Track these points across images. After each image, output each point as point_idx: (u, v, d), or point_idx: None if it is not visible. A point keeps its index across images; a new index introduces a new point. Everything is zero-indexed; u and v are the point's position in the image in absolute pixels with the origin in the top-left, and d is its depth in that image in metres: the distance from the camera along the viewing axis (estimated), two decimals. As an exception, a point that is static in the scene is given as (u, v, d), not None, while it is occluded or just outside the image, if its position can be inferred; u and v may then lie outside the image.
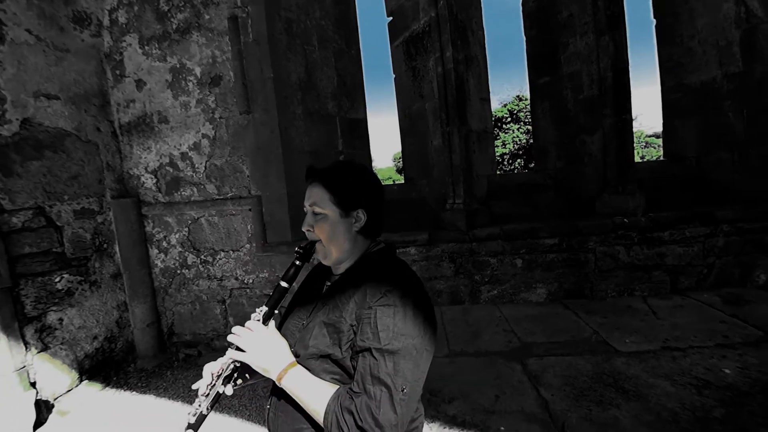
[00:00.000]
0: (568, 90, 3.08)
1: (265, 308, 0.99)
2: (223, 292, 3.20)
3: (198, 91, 3.02)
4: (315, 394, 0.86)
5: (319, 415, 0.85)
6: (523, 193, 3.28)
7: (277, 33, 2.96)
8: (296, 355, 0.94)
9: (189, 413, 0.96)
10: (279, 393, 0.98)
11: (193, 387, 1.02)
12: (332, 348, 0.90)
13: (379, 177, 1.18)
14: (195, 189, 3.14)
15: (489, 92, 3.38)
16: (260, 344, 0.92)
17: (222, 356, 1.05)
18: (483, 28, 3.31)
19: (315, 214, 1.01)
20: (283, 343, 0.96)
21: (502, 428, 1.27)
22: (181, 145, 3.11)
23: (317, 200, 1.00)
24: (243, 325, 0.98)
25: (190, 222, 3.17)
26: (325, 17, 3.27)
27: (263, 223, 3.10)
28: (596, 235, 2.75)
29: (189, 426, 0.95)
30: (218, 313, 3.21)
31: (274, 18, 2.93)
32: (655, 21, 3.04)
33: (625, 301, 2.50)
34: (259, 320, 0.97)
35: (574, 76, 3.01)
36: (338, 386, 0.88)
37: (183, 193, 3.15)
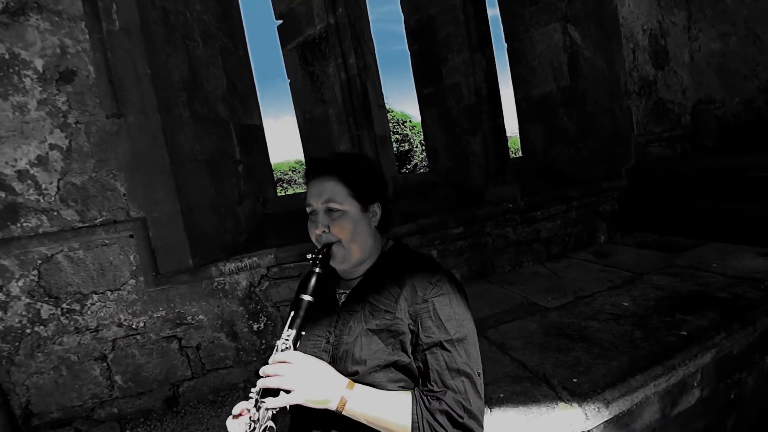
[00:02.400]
0: (451, 99, 3.52)
1: (291, 331, 0.84)
2: (102, 345, 2.49)
3: (40, 89, 2.29)
4: (391, 407, 0.78)
5: (403, 428, 0.77)
6: (422, 191, 3.58)
7: (151, 22, 2.50)
8: (350, 374, 0.83)
9: None
10: (325, 425, 0.85)
11: None
12: (396, 354, 0.83)
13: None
14: (44, 217, 2.36)
15: (384, 100, 3.58)
16: (309, 375, 0.78)
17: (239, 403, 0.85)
18: (372, 39, 3.49)
19: (331, 211, 0.92)
20: (328, 366, 0.83)
21: (501, 395, 1.38)
22: (16, 160, 2.30)
23: (334, 195, 0.92)
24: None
25: (40, 262, 2.36)
26: (206, 12, 2.93)
27: (152, 251, 2.55)
28: (490, 220, 3.22)
29: None
30: (97, 374, 2.48)
31: (146, 5, 2.47)
32: (506, 45, 3.78)
33: (528, 269, 3.00)
34: (289, 347, 0.82)
35: (455, 87, 3.47)
36: (409, 393, 0.82)
37: (25, 224, 2.33)
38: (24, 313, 2.37)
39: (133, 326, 2.54)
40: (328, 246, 0.92)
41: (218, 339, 2.69)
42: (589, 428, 1.26)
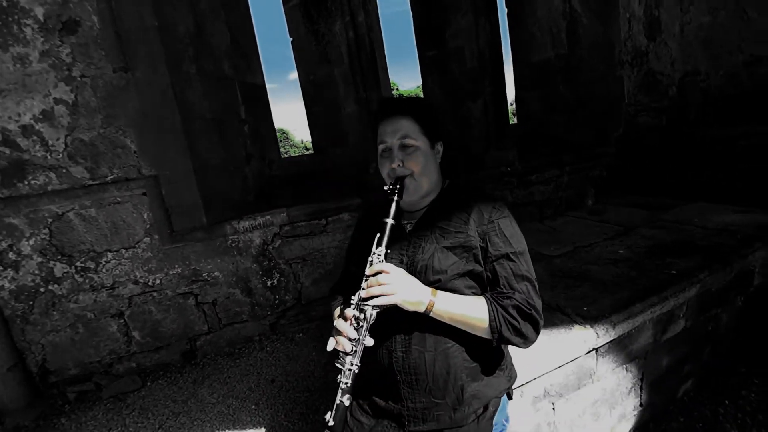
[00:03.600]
0: (454, 62, 3.56)
1: (382, 249, 0.97)
2: (119, 302, 2.53)
3: (42, 39, 2.18)
4: (471, 307, 0.95)
5: (481, 323, 0.93)
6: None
7: (156, -29, 2.39)
8: (431, 283, 0.97)
9: (341, 377, 0.89)
10: (406, 328, 0.99)
11: (329, 348, 0.94)
12: (470, 264, 0.99)
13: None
14: (53, 175, 2.32)
15: (386, 62, 3.58)
16: (405, 281, 0.93)
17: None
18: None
19: (405, 147, 1.02)
20: (413, 277, 0.97)
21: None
22: (19, 115, 2.21)
23: (409, 132, 1.03)
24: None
25: (51, 220, 2.34)
26: (207, -40, 2.79)
27: (166, 209, 2.57)
28: (491, 183, 3.38)
29: (346, 390, 0.89)
30: (115, 330, 2.53)
31: (150, -50, 2.35)
32: (507, 9, 3.80)
33: (526, 226, 3.19)
34: (382, 261, 0.95)
35: (459, 50, 3.50)
36: (481, 297, 0.97)
37: (33, 182, 2.28)
38: (37, 272, 2.36)
39: (150, 283, 2.58)
40: (401, 178, 1.02)
41: (233, 295, 2.78)
42: (598, 345, 1.48)
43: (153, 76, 2.40)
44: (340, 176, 3.38)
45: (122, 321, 2.56)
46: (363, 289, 0.92)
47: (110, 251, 2.49)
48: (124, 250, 2.51)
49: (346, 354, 0.90)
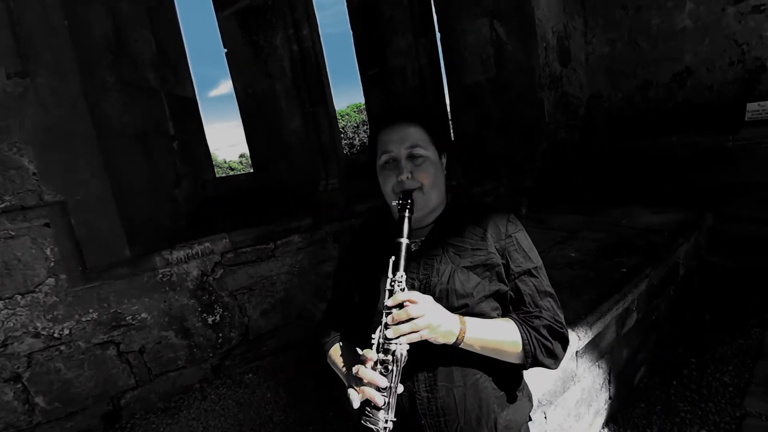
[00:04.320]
0: (397, 80, 3.63)
1: (401, 273, 0.83)
2: (14, 363, 2.00)
3: None
4: (502, 331, 0.86)
5: (514, 348, 0.85)
6: (370, 171, 3.64)
7: (63, -38, 2.03)
8: (456, 309, 0.87)
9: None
10: (430, 364, 0.88)
11: (355, 405, 0.77)
12: (495, 284, 0.91)
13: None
14: None
15: (328, 77, 3.51)
16: (435, 310, 0.80)
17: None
18: (315, 14, 3.39)
19: (414, 157, 0.94)
20: (438, 304, 0.87)
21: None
22: None
23: (419, 141, 0.95)
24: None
25: None
26: (126, -41, 2.48)
27: (77, 242, 2.12)
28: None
29: None
30: (11, 397, 1.98)
31: (55, -61, 2.00)
32: (439, 34, 4.01)
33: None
34: (404, 288, 0.82)
35: (400, 69, 3.58)
36: (507, 318, 0.90)
37: None
38: None
39: (56, 335, 2.09)
40: (410, 192, 0.93)
41: (166, 338, 2.38)
42: (580, 348, 1.51)
43: (59, 84, 2.01)
44: (285, 195, 3.16)
45: (20, 386, 2.01)
46: (385, 324, 0.78)
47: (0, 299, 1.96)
48: (19, 297, 2.01)
49: (378, 409, 0.73)
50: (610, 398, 1.81)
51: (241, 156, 17.57)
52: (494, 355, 0.86)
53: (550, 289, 0.93)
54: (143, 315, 2.29)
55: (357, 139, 11.23)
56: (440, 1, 3.96)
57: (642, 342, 1.98)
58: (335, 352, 1.02)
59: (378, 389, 0.74)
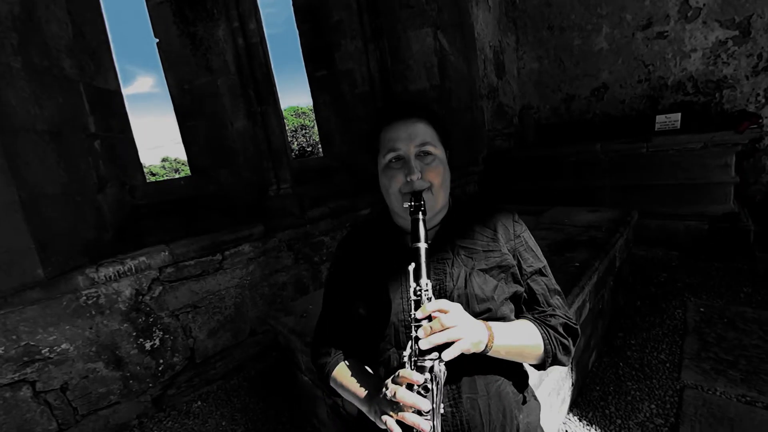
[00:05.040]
0: (345, 84, 3.56)
1: (425, 281, 0.76)
2: None
3: None
4: (525, 334, 0.84)
5: (537, 350, 0.84)
6: (322, 176, 3.52)
7: None
8: (478, 314, 0.83)
9: None
10: (452, 375, 0.82)
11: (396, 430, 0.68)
12: (512, 286, 0.90)
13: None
14: None
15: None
16: (466, 320, 0.75)
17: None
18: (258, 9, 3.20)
19: (425, 155, 0.88)
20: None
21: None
22: None
23: (429, 138, 0.89)
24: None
25: None
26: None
27: (-31, 261, 1.70)
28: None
29: None
30: None
31: None
32: (387, 41, 4.04)
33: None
34: (431, 297, 0.75)
35: (349, 73, 3.53)
36: (523, 319, 0.89)
37: None
38: None
39: (-61, 381, 1.65)
40: (419, 193, 0.87)
41: (94, 371, 2.02)
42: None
43: (-59, 64, 1.61)
44: (230, 202, 2.90)
45: None
46: (415, 338, 0.71)
47: None
48: None
49: None
50: (572, 385, 1.93)
51: (164, 160, 15.83)
52: (517, 359, 0.84)
53: (558, 287, 0.94)
54: (64, 346, 1.91)
55: (295, 143, 10.85)
56: (387, 9, 4.00)
57: (592, 330, 2.15)
58: (342, 373, 0.92)
59: (422, 414, 0.66)
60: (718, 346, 2.11)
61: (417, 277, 0.76)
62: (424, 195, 0.86)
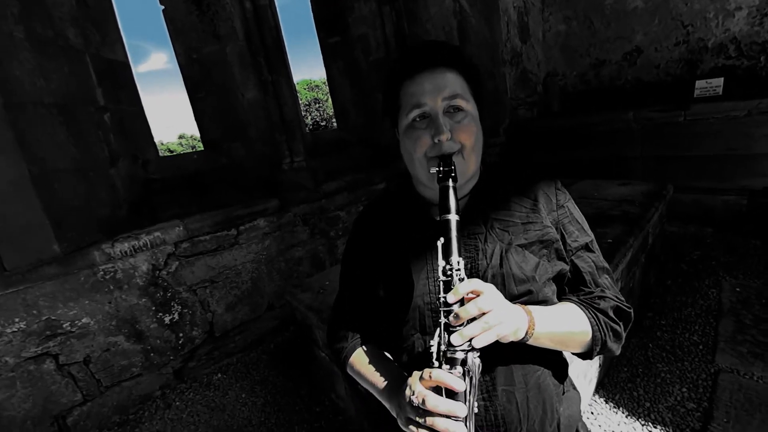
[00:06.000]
0: (360, 51, 3.38)
1: (457, 258, 0.66)
2: None
3: None
4: (570, 319, 0.74)
5: (584, 336, 0.74)
6: (337, 149, 3.41)
7: None
8: (516, 297, 0.73)
9: None
10: (486, 366, 0.73)
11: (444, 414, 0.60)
12: (556, 263, 0.78)
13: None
14: None
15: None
16: (502, 302, 0.64)
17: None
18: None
19: (454, 110, 0.75)
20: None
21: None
22: None
23: (459, 90, 0.74)
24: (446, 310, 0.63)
25: None
26: None
27: (-15, 237, 1.70)
28: (408, 175, 3.33)
29: None
30: None
31: None
32: (403, 4, 3.79)
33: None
34: (464, 278, 0.64)
35: (363, 38, 3.34)
36: (568, 302, 0.79)
37: None
38: None
39: (-35, 355, 1.68)
40: (449, 157, 0.73)
41: (116, 344, 2.04)
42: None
43: (-59, 33, 1.54)
44: (243, 176, 2.84)
45: None
46: (445, 325, 0.62)
47: None
48: None
49: None
50: (600, 366, 1.86)
51: (181, 137, 15.86)
52: (560, 348, 0.74)
53: (607, 264, 0.83)
54: (84, 320, 1.93)
55: (309, 118, 10.63)
56: (402, -34, 3.73)
57: (621, 309, 2.06)
58: (360, 360, 0.85)
59: (461, 419, 0.58)
60: (756, 328, 1.99)
61: (447, 255, 0.66)
62: (454, 159, 0.75)
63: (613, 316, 0.76)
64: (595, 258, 0.81)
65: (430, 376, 0.60)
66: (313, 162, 2.94)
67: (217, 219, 2.42)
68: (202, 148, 3.06)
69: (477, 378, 0.61)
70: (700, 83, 3.05)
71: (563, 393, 0.83)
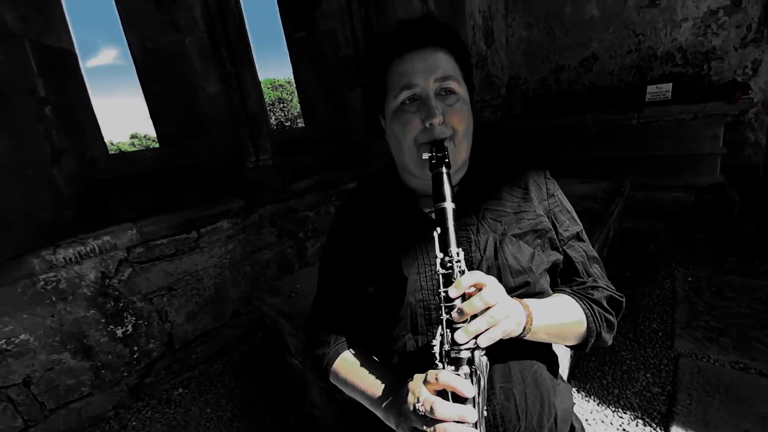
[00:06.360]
0: (328, 47, 3.31)
1: (456, 249, 0.62)
2: None
3: None
4: (566, 311, 0.72)
5: (579, 328, 0.73)
6: (306, 147, 3.31)
7: None
8: (513, 290, 0.70)
9: None
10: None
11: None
12: (551, 253, 0.77)
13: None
14: None
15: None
16: (505, 298, 0.62)
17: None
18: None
19: (447, 93, 0.71)
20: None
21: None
22: None
23: (452, 71, 0.71)
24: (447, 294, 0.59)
25: None
26: None
27: None
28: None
29: None
30: None
31: None
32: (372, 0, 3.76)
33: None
34: (464, 270, 0.61)
35: (331, 34, 3.27)
36: (560, 293, 0.77)
37: None
38: None
39: None
40: (440, 143, 0.69)
41: (60, 362, 1.84)
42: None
43: None
44: (204, 175, 2.67)
45: None
46: (446, 322, 0.58)
47: None
48: None
49: None
50: (570, 357, 1.91)
51: (134, 137, 14.95)
52: (555, 341, 0.73)
53: (596, 254, 0.83)
54: (23, 336, 1.71)
55: (273, 118, 10.34)
56: (369, -35, 3.70)
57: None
58: (345, 366, 0.78)
59: (472, 425, 0.53)
60: (708, 314, 2.13)
61: (445, 246, 0.62)
62: (446, 144, 0.71)
63: (607, 306, 0.76)
64: (586, 247, 0.81)
65: (436, 379, 0.55)
66: (280, 160, 2.82)
67: (175, 221, 2.26)
68: (158, 146, 2.85)
69: (486, 378, 0.57)
70: (651, 88, 3.27)
71: (557, 386, 0.82)
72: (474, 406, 0.54)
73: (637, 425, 1.58)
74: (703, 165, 3.04)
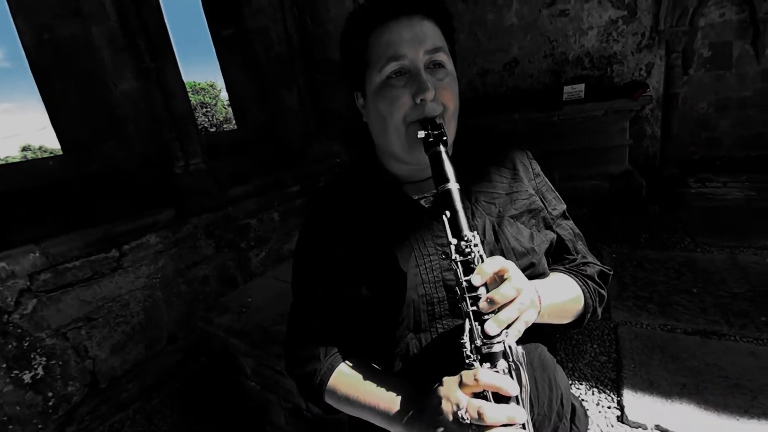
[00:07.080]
0: (259, 45, 3.12)
1: (470, 233, 0.57)
2: None
3: None
4: (566, 289, 0.72)
5: (578, 304, 0.73)
6: (240, 150, 3.08)
7: None
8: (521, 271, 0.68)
9: None
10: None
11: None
12: (547, 233, 0.75)
13: None
14: None
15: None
16: (529, 283, 0.58)
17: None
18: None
19: (436, 67, 0.65)
20: None
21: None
22: None
23: (440, 43, 0.65)
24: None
25: None
26: None
27: None
28: (322, 175, 3.19)
29: None
30: None
31: None
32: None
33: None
34: (482, 255, 0.56)
35: (263, 31, 3.09)
36: (558, 269, 0.77)
37: None
38: None
39: None
40: (433, 120, 0.63)
41: (-63, 426, 1.44)
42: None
43: None
44: (125, 182, 2.33)
45: None
46: (473, 314, 0.52)
47: None
48: None
49: None
50: (527, 339, 2.01)
51: (25, 149, 12.76)
52: (556, 320, 0.70)
53: (579, 231, 0.85)
54: None
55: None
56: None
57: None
58: (346, 381, 0.69)
59: (521, 427, 0.49)
60: (634, 285, 2.39)
61: (457, 230, 0.57)
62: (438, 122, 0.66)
63: (599, 281, 0.77)
64: (571, 225, 0.82)
65: (476, 381, 0.49)
66: (213, 164, 2.58)
67: (89, 239, 1.92)
68: (61, 153, 2.43)
69: (525, 368, 0.51)
70: (567, 88, 3.63)
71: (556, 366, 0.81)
72: (518, 404, 0.50)
73: (593, 393, 1.69)
74: (614, 155, 3.45)
